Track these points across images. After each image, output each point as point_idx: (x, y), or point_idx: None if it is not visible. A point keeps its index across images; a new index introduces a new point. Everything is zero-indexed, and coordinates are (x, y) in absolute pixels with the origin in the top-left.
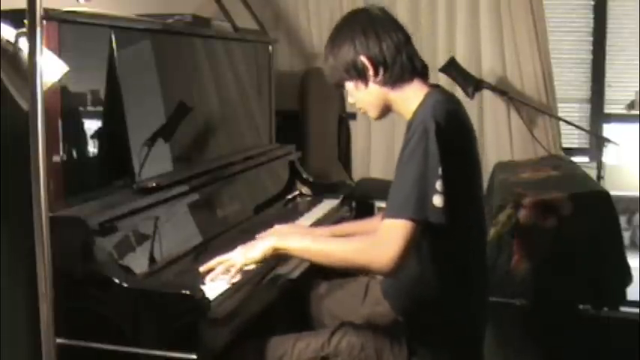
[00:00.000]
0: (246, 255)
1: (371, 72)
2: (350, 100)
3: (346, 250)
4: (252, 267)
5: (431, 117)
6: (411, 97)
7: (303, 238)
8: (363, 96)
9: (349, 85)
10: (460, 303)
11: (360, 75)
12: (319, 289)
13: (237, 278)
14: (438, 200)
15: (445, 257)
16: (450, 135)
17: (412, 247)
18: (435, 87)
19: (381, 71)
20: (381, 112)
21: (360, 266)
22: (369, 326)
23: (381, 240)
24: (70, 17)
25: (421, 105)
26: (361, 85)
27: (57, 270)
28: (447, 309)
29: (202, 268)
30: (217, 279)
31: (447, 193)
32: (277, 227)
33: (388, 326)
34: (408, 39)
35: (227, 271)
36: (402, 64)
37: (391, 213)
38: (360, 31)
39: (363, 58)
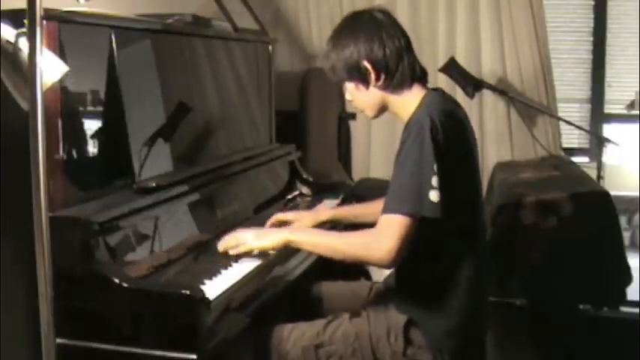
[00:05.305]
0: (260, 241)
1: (373, 76)
2: (347, 97)
3: (348, 244)
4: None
5: (426, 115)
6: (409, 100)
7: (311, 234)
8: (362, 97)
9: (349, 85)
10: (459, 300)
11: (362, 78)
12: (323, 291)
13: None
14: (434, 195)
15: (442, 254)
16: (445, 132)
17: (409, 241)
18: (434, 90)
19: (383, 76)
20: (378, 112)
21: (360, 259)
22: (366, 318)
23: (378, 235)
24: (70, 17)
25: (419, 106)
26: (361, 87)
27: (57, 270)
28: (445, 305)
29: (220, 247)
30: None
31: (442, 189)
32: (292, 226)
33: (386, 318)
34: (409, 45)
35: (236, 246)
36: (404, 70)
37: (388, 208)
38: (365, 35)
39: (366, 63)
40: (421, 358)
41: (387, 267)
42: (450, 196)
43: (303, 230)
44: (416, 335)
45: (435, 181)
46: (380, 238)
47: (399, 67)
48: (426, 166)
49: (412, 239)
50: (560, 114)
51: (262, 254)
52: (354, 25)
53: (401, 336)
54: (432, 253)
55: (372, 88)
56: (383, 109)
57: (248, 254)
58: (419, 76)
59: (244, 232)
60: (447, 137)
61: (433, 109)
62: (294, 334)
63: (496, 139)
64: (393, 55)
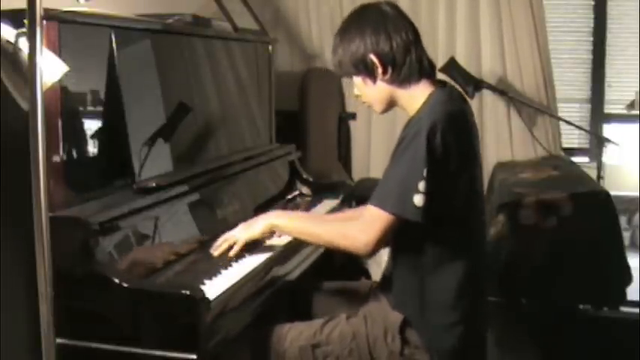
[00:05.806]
0: (247, 231)
1: (380, 70)
2: (355, 92)
3: (330, 232)
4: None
5: (427, 118)
6: (417, 95)
7: (297, 219)
8: (369, 91)
9: (356, 80)
10: (457, 300)
11: (369, 72)
12: (323, 290)
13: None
14: (418, 200)
15: (443, 254)
16: (445, 136)
17: (389, 237)
18: (442, 86)
19: (390, 70)
20: (386, 107)
21: (340, 247)
22: (363, 318)
23: (363, 225)
24: (70, 17)
25: (424, 104)
26: (369, 81)
27: (57, 270)
28: (442, 305)
29: (215, 253)
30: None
31: (428, 194)
32: (276, 212)
33: (383, 318)
34: (417, 38)
35: (231, 247)
36: (411, 64)
37: (375, 200)
38: (372, 28)
39: (373, 56)
40: (418, 358)
41: (363, 257)
42: (450, 196)
43: (288, 216)
44: (412, 335)
45: (422, 185)
46: (363, 228)
47: (407, 60)
48: (416, 170)
49: (414, 245)
50: (560, 114)
51: (267, 248)
52: (361, 19)
53: (398, 336)
54: (430, 252)
55: (379, 83)
56: (391, 104)
57: (245, 250)
58: (427, 70)
59: (231, 232)
60: (447, 141)
61: (437, 112)
62: (292, 334)
63: (496, 139)
64: (400, 49)
